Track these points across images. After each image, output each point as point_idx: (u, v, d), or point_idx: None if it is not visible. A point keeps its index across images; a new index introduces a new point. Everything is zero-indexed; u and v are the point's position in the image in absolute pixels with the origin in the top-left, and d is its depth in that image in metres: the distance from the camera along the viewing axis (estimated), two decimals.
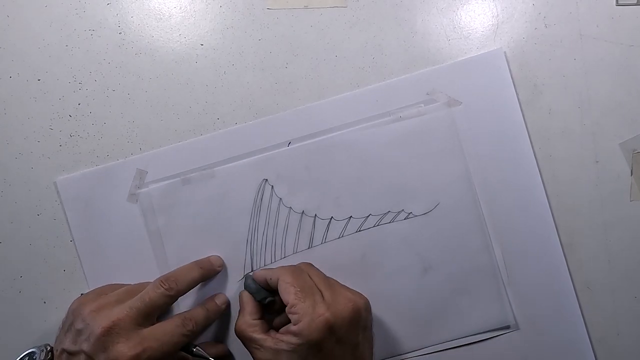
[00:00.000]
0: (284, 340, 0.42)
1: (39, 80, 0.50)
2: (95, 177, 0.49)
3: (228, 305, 0.49)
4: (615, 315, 0.50)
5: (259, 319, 0.45)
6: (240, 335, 0.45)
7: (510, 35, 0.50)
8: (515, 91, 0.50)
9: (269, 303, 0.46)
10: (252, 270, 0.49)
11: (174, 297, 0.45)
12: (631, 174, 0.50)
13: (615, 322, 0.50)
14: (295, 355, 0.41)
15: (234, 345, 0.49)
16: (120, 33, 0.50)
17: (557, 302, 0.49)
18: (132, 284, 0.48)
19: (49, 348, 0.45)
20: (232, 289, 0.49)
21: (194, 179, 0.49)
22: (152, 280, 0.46)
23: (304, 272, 0.45)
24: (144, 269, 0.49)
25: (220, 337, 0.49)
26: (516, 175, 0.49)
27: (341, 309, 0.42)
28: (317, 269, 0.47)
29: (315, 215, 0.49)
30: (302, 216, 0.49)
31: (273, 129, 0.50)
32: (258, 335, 0.43)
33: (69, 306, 0.45)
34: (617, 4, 0.50)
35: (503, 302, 0.49)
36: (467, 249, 0.49)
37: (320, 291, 0.43)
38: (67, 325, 0.44)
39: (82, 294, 0.47)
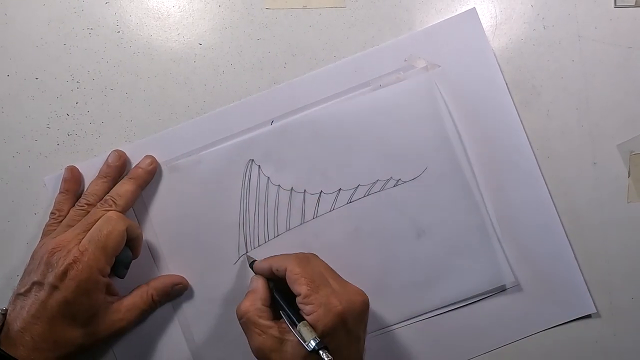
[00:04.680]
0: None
1: (36, 78, 0.50)
2: (82, 173, 0.49)
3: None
4: (612, 315, 0.50)
5: (268, 306, 0.44)
6: (244, 317, 0.43)
7: (508, 36, 0.50)
8: (493, 50, 0.49)
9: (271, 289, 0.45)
10: (246, 252, 0.49)
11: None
12: (629, 175, 0.50)
13: (612, 322, 0.50)
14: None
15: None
16: (118, 32, 0.50)
17: (552, 253, 0.49)
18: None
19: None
20: (228, 272, 0.49)
21: (180, 165, 0.49)
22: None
23: (310, 260, 0.44)
24: (140, 261, 0.48)
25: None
26: (501, 129, 0.49)
27: (353, 301, 0.42)
28: (321, 259, 0.46)
29: (305, 190, 0.49)
30: (291, 193, 0.49)
31: (255, 109, 0.49)
32: (264, 321, 0.42)
33: None
34: (616, 6, 0.50)
35: (500, 260, 0.49)
36: (458, 210, 0.49)
37: (329, 282, 0.43)
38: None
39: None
